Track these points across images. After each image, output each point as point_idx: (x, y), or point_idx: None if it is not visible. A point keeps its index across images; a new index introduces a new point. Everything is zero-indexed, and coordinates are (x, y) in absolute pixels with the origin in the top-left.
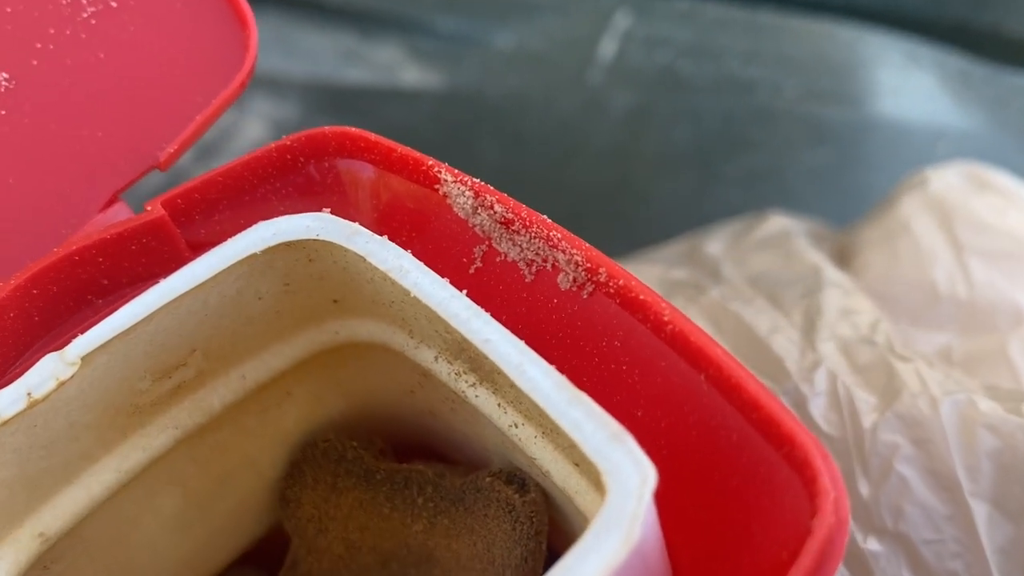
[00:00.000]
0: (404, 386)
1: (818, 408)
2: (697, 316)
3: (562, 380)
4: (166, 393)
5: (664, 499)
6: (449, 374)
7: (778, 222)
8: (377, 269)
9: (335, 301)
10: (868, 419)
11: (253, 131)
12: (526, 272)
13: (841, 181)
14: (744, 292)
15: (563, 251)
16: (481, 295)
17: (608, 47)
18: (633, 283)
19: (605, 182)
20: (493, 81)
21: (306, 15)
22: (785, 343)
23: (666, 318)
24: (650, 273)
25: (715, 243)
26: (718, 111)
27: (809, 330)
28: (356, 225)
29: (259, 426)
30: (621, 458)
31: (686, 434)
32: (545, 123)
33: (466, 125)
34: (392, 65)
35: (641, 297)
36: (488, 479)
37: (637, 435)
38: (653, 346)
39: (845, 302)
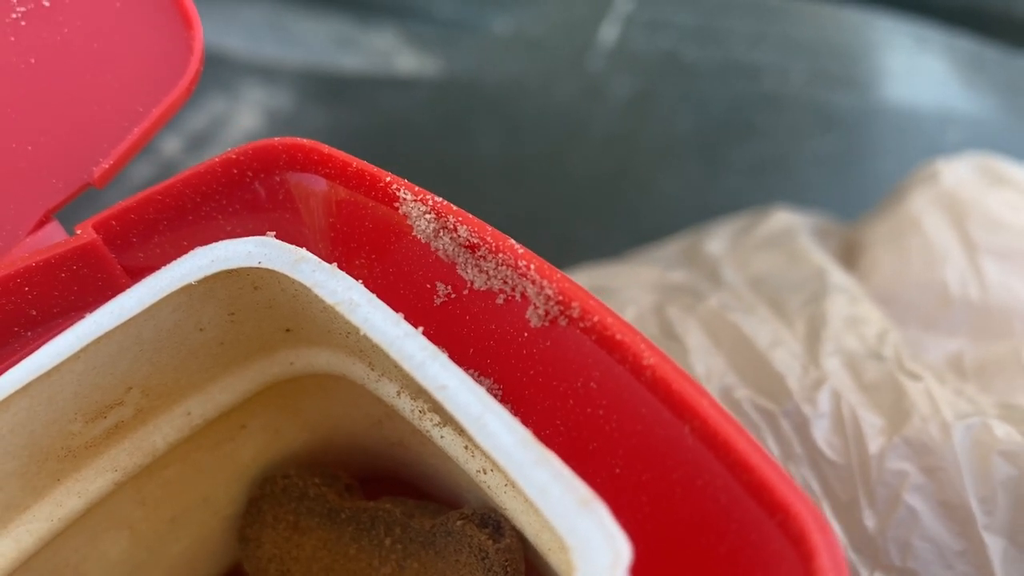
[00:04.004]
0: (370, 417)
1: (821, 431)
2: (694, 328)
3: (526, 436)
4: (102, 434)
5: (642, 568)
6: (412, 411)
7: (782, 218)
8: (326, 301)
9: (287, 330)
10: (875, 444)
11: (247, 120)
12: (493, 302)
13: (849, 169)
14: (745, 298)
15: (532, 281)
16: (443, 328)
17: (609, 31)
18: (609, 320)
19: (605, 172)
20: (491, 67)
21: (300, 1)
22: (787, 358)
23: (646, 361)
24: (648, 275)
25: (716, 241)
26: (722, 97)
27: (813, 342)
28: (302, 251)
29: (212, 462)
30: (591, 530)
31: (669, 491)
32: (544, 110)
33: (463, 112)
34: (388, 51)
35: (618, 336)
36: (460, 522)
37: (613, 490)
38: (633, 391)
39: (851, 310)
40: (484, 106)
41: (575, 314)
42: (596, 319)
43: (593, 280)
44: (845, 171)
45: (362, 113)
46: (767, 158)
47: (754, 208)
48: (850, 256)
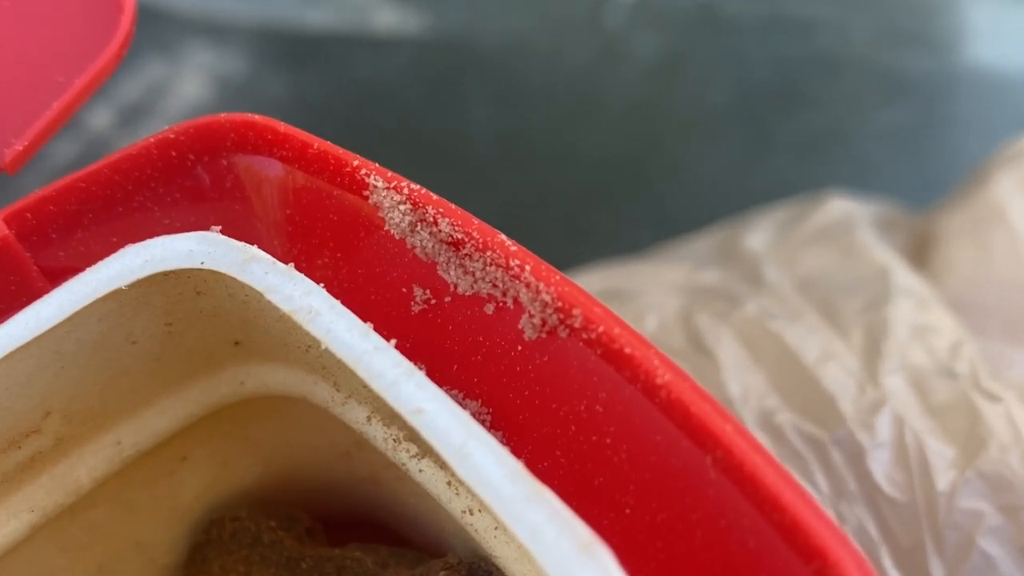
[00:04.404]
0: (336, 447)
1: (880, 464)
2: (729, 339)
3: (518, 469)
4: (15, 468)
5: None
6: (385, 440)
7: (838, 207)
8: (281, 309)
9: (236, 343)
10: (944, 479)
11: (191, 89)
12: (481, 309)
13: (921, 146)
14: (791, 303)
15: (526, 284)
16: (421, 340)
17: None
18: (617, 331)
19: (624, 150)
20: (486, 23)
21: None
22: (840, 375)
23: (660, 380)
24: (674, 276)
25: (757, 235)
26: (768, 59)
27: (872, 356)
28: (252, 249)
29: (148, 501)
30: None
31: (688, 535)
32: (550, 76)
33: (452, 79)
34: (362, 5)
35: (627, 350)
36: (443, 573)
37: (622, 533)
38: (646, 415)
39: (919, 317)
40: (478, 71)
41: (577, 323)
42: (601, 329)
43: (607, 282)
44: (916, 148)
45: (331, 80)
46: (821, 133)
47: (804, 194)
48: (920, 252)
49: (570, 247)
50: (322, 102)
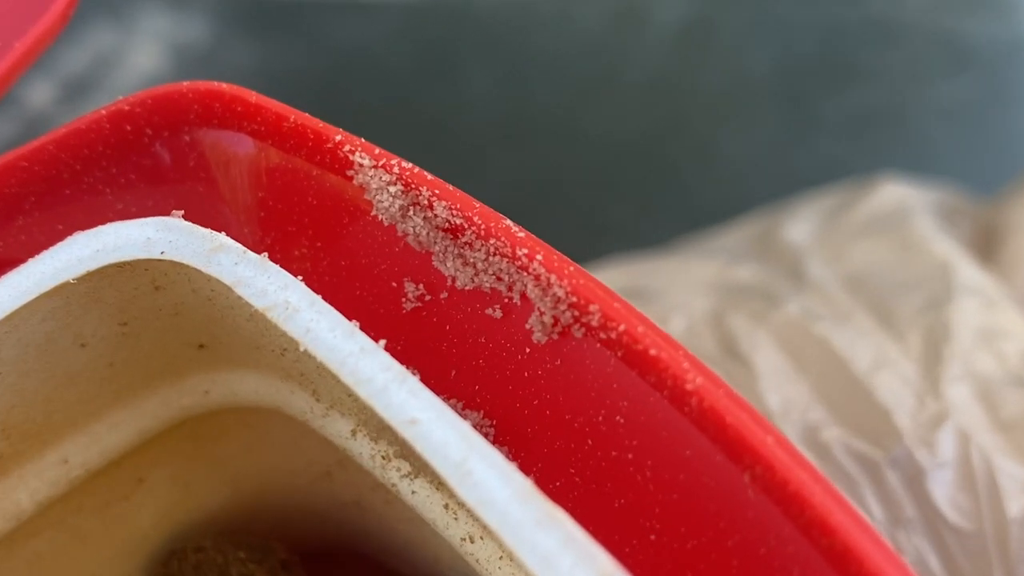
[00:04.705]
0: (315, 467)
1: (942, 486)
2: (767, 343)
3: (527, 488)
4: None
5: None
6: (373, 457)
7: (892, 193)
8: (254, 305)
9: (200, 346)
10: (1016, 504)
11: (144, 59)
12: (483, 307)
13: (987, 124)
14: (838, 303)
15: (536, 277)
16: (414, 342)
17: None
18: (640, 329)
19: (647, 129)
20: None
21: None
22: (895, 384)
23: (690, 385)
24: (704, 272)
25: (800, 225)
26: (812, 26)
27: (932, 363)
28: (221, 237)
29: (99, 528)
30: None
31: (723, 563)
32: (560, 44)
33: (448, 47)
34: None
35: (652, 352)
36: None
37: (647, 562)
38: (673, 426)
39: (986, 318)
40: (478, 39)
41: (594, 322)
42: (622, 328)
43: (628, 278)
44: (980, 126)
45: (306, 49)
46: (873, 109)
47: (854, 178)
48: (986, 245)
49: (583, 240)
50: (295, 75)
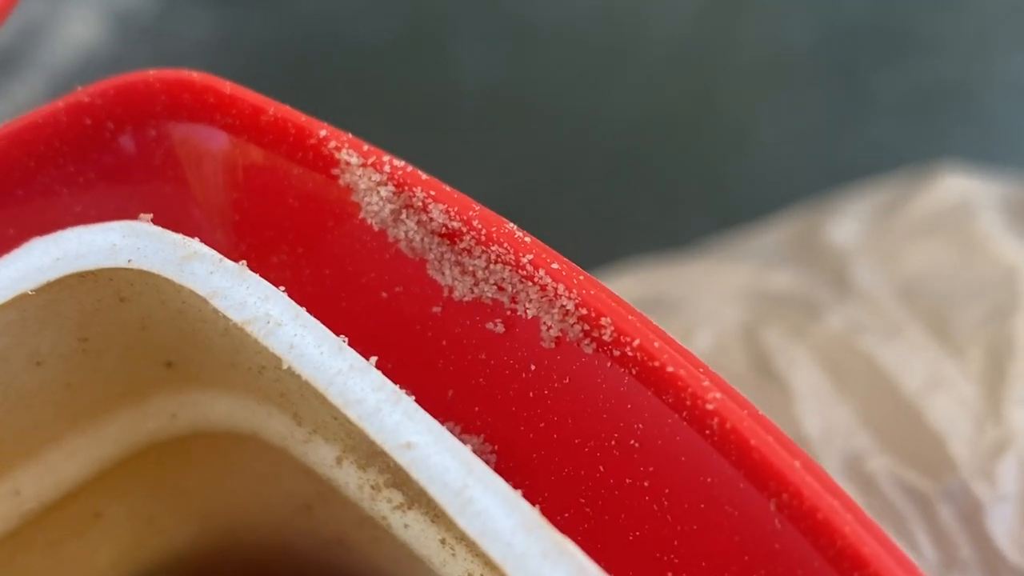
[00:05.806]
0: (295, 499)
1: (1002, 523)
2: (806, 361)
3: (533, 517)
4: None
5: None
6: (360, 487)
7: (953, 186)
8: (231, 318)
9: (168, 364)
10: None
11: (80, 29)
12: (483, 320)
13: None
14: (889, 314)
15: (542, 287)
16: (408, 358)
17: None
18: (656, 346)
19: (668, 111)
20: None
21: None
22: (951, 407)
23: (710, 405)
24: (735, 278)
25: (846, 223)
26: None
27: (995, 383)
28: (194, 243)
29: (52, 568)
30: None
31: None
32: (565, 13)
33: (437, 20)
34: None
35: (670, 368)
36: None
37: None
38: (692, 450)
39: None
40: (471, 8)
41: (606, 336)
42: (637, 343)
43: (647, 286)
44: None
45: (268, 20)
46: (933, 87)
47: (909, 167)
48: None
49: (596, 242)
50: (255, 50)
